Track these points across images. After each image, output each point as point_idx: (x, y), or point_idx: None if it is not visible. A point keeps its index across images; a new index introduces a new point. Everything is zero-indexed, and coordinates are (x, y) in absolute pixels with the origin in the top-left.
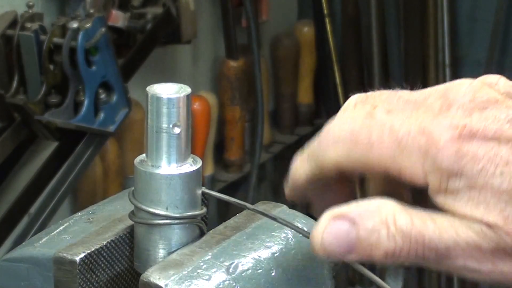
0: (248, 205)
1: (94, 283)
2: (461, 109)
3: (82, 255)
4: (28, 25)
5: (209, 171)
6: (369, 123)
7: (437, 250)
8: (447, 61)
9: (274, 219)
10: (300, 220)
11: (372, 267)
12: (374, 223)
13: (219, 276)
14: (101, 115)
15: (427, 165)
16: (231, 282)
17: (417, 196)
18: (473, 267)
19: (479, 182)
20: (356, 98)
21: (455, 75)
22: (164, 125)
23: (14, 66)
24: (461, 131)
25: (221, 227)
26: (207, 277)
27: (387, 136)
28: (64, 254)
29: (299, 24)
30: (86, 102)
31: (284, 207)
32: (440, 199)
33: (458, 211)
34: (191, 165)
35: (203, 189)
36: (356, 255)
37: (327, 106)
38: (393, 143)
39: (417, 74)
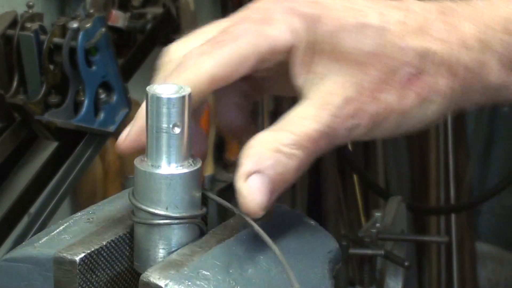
0: (235, 209)
1: (94, 283)
2: None
3: (82, 255)
4: (28, 25)
5: (209, 171)
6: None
7: (327, 135)
8: None
9: (256, 230)
10: (301, 220)
11: (372, 267)
12: (271, 158)
13: (219, 276)
14: (101, 115)
15: (295, 21)
16: (231, 282)
17: None
18: (352, 124)
19: (337, 23)
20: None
21: None
22: (164, 125)
23: (14, 66)
24: None
25: (221, 227)
26: (207, 277)
27: (252, 12)
28: (64, 254)
29: None
30: (86, 102)
31: (285, 206)
32: (304, 59)
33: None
34: (191, 165)
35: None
36: (279, 192)
37: None
38: (254, 19)
39: None
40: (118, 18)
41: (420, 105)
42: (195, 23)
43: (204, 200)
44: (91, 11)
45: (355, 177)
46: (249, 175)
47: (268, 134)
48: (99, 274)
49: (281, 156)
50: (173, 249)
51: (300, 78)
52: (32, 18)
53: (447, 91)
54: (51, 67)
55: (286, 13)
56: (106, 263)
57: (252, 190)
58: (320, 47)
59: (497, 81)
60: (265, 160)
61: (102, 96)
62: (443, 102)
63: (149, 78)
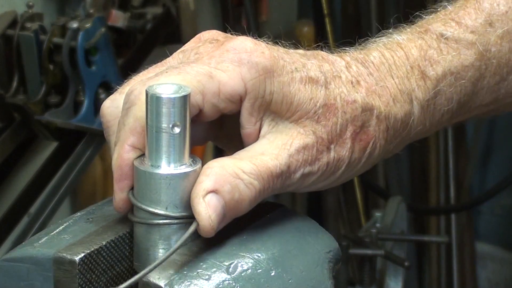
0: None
1: (94, 283)
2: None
3: (82, 255)
4: (28, 25)
5: None
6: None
7: (283, 173)
8: None
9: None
10: (301, 220)
11: (372, 267)
12: (229, 182)
13: (219, 276)
14: None
15: (243, 70)
16: (231, 282)
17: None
18: (308, 170)
19: (287, 77)
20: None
21: None
22: (164, 125)
23: (14, 66)
24: (255, 42)
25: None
26: (207, 277)
27: (205, 54)
28: (64, 254)
29: (299, 24)
30: (86, 102)
31: (284, 207)
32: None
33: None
34: (191, 165)
35: None
36: (228, 220)
37: None
38: (204, 63)
39: None
40: (118, 18)
41: (366, 158)
42: (195, 23)
43: None
44: (91, 11)
45: (355, 177)
46: (207, 192)
47: (228, 159)
48: (99, 274)
49: (240, 182)
50: None
51: (253, 124)
52: (32, 18)
53: (383, 143)
54: (51, 67)
55: (236, 62)
56: (106, 263)
57: (210, 208)
58: (273, 97)
59: (419, 126)
60: (224, 182)
61: (102, 96)
62: (380, 154)
63: None
